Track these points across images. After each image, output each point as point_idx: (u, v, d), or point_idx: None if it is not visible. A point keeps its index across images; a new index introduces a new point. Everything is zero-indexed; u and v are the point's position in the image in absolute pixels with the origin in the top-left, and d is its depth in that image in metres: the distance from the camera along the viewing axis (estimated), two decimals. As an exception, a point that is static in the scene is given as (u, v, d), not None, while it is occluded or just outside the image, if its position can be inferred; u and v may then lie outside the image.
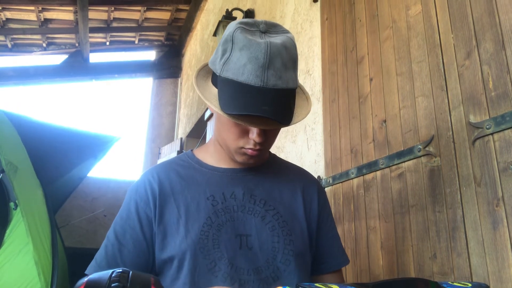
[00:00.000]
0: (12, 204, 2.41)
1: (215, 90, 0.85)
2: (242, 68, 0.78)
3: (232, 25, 0.83)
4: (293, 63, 0.83)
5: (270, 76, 0.78)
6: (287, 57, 0.80)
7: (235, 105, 0.78)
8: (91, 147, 3.83)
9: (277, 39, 0.82)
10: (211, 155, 0.99)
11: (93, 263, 0.87)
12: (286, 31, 0.86)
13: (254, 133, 0.84)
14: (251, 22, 0.84)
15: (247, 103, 0.77)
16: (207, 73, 0.91)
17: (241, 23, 0.83)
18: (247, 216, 0.91)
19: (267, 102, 0.77)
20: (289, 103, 0.82)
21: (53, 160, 3.26)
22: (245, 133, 0.86)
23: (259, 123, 0.81)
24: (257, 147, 0.87)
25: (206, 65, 0.92)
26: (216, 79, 0.85)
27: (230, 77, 0.79)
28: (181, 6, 5.66)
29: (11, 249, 2.33)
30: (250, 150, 0.87)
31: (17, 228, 2.38)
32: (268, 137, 0.88)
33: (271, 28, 0.85)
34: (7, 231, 2.36)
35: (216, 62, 0.84)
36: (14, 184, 2.43)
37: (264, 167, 1.00)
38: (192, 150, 1.03)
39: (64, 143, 3.47)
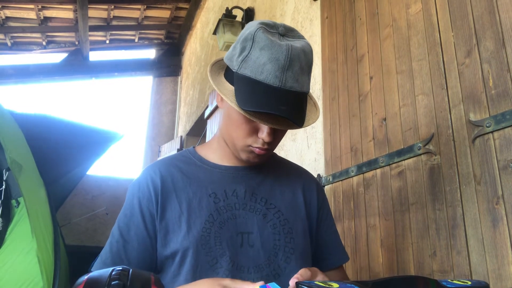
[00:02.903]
0: (14, 202, 2.41)
1: (229, 86, 0.85)
2: (262, 67, 0.79)
3: (253, 25, 0.85)
4: (309, 68, 0.85)
5: (288, 78, 0.79)
6: (304, 61, 0.83)
7: (252, 102, 0.79)
8: (94, 144, 3.82)
9: (296, 43, 0.83)
10: (213, 152, 0.99)
11: (98, 259, 0.88)
12: (302, 37, 0.88)
13: (264, 133, 0.85)
14: (272, 24, 0.86)
15: (265, 101, 0.78)
16: (219, 69, 0.92)
17: (262, 23, 0.84)
18: (248, 214, 0.91)
19: (284, 103, 0.79)
20: (302, 106, 0.84)
21: (57, 159, 3.26)
22: (254, 131, 0.87)
23: (273, 122, 0.82)
24: (265, 147, 0.88)
25: (218, 60, 0.93)
26: (231, 75, 0.86)
27: (248, 74, 0.81)
28: (181, 5, 5.66)
29: (13, 247, 2.33)
30: (257, 149, 0.88)
31: (19, 226, 2.38)
32: (276, 137, 0.89)
33: (288, 32, 0.87)
34: (9, 229, 2.36)
35: (234, 58, 0.85)
36: (20, 182, 2.43)
37: (265, 166, 1.00)
38: (194, 146, 1.03)
39: (69, 139, 3.46)
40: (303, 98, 0.84)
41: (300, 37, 0.87)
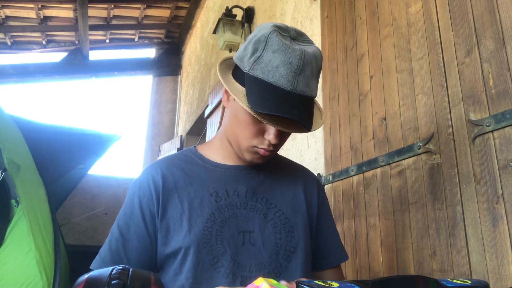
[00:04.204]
0: (13, 202, 2.41)
1: (239, 86, 0.86)
2: (274, 70, 0.80)
3: (266, 27, 0.85)
4: (318, 73, 0.86)
5: (300, 82, 0.80)
6: (315, 66, 0.84)
7: (265, 105, 0.79)
8: (92, 145, 3.84)
9: (308, 48, 0.84)
10: (215, 151, 0.99)
11: (97, 257, 0.88)
12: (312, 42, 0.89)
13: (271, 134, 0.85)
14: (284, 27, 0.86)
15: (277, 104, 0.79)
16: (226, 68, 0.92)
17: (275, 26, 0.85)
18: (249, 213, 0.91)
19: (295, 106, 0.80)
20: (311, 110, 0.85)
21: (55, 159, 3.28)
22: (260, 133, 0.87)
23: (283, 125, 0.83)
24: (271, 148, 0.88)
25: (226, 59, 0.94)
26: (240, 75, 0.86)
27: (260, 76, 0.81)
28: (181, 4, 5.65)
29: (12, 248, 2.33)
30: (262, 150, 0.88)
31: (19, 226, 2.38)
32: (281, 139, 0.89)
33: (299, 36, 0.88)
34: (8, 229, 2.36)
35: (245, 59, 0.85)
36: (16, 183, 2.43)
37: (267, 165, 1.00)
38: (195, 146, 1.04)
39: (66, 142, 3.48)
40: (311, 102, 0.85)
41: (310, 42, 0.88)
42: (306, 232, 0.96)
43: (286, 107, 0.79)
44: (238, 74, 0.87)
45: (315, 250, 1.01)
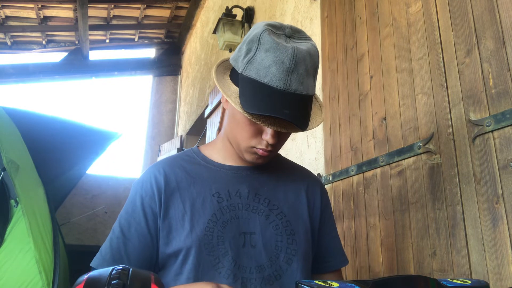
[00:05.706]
0: (12, 202, 2.41)
1: (234, 87, 0.85)
2: (266, 69, 0.79)
3: (259, 26, 0.84)
4: (314, 71, 0.85)
5: (293, 81, 0.79)
6: (310, 64, 0.82)
7: (257, 105, 0.78)
8: (92, 143, 3.82)
9: (302, 45, 0.83)
10: (217, 152, 0.99)
11: (98, 255, 0.89)
12: (309, 38, 0.88)
13: (268, 134, 0.85)
14: (278, 25, 0.85)
15: (269, 104, 0.78)
16: (225, 69, 0.92)
17: (268, 25, 0.84)
18: (251, 215, 0.91)
19: (288, 106, 0.79)
20: (307, 109, 0.84)
21: (55, 157, 3.27)
22: (258, 133, 0.87)
23: (277, 125, 0.82)
24: (269, 148, 0.88)
25: (224, 61, 0.94)
26: (236, 76, 0.86)
27: (253, 76, 0.81)
28: (181, 4, 5.66)
29: (12, 247, 2.33)
30: (261, 151, 0.88)
31: (18, 226, 2.38)
32: (280, 139, 0.89)
33: (295, 33, 0.87)
34: (8, 229, 2.36)
35: (239, 60, 0.85)
36: (16, 182, 2.43)
37: (269, 166, 1.00)
38: (198, 146, 1.04)
39: (67, 138, 3.46)
40: (307, 100, 0.84)
41: (307, 38, 0.87)
42: (307, 235, 0.96)
43: (278, 107, 0.78)
44: (234, 75, 0.87)
45: (316, 253, 1.01)
